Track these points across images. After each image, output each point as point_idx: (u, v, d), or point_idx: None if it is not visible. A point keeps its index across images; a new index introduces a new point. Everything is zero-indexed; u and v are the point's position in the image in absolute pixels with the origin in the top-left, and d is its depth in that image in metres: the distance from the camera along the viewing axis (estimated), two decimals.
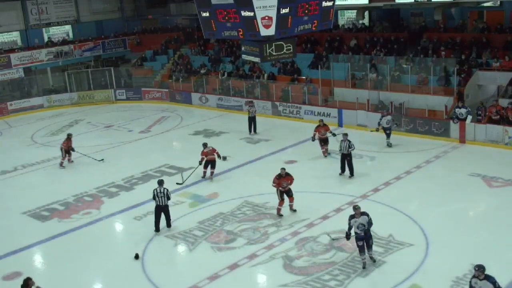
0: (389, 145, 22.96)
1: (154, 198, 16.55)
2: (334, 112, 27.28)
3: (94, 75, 38.10)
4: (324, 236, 15.43)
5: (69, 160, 24.16)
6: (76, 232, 17.22)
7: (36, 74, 38.36)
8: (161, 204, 16.47)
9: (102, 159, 24.37)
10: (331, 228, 15.88)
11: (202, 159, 20.81)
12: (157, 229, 16.51)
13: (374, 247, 14.49)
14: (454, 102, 24.56)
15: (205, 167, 20.87)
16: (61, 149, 23.99)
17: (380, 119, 23.24)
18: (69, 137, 24.20)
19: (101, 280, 14.51)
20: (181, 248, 15.68)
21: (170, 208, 16.73)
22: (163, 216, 16.52)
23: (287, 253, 14.79)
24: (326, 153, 22.47)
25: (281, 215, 16.51)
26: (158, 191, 16.44)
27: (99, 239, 16.51)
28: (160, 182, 16.64)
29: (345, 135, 19.93)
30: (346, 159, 19.90)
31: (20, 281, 14.29)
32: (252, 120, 26.11)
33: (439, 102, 24.84)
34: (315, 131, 22.45)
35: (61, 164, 23.87)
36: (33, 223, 18.23)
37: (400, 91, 26.40)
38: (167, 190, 16.60)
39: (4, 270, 15.09)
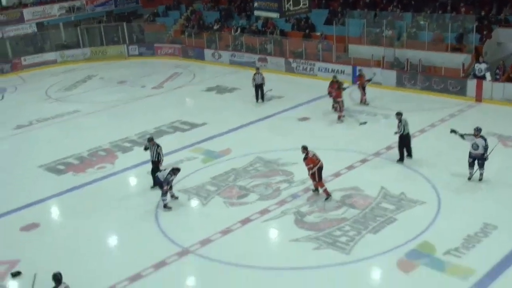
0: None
1: (144, 149, 16.92)
2: (348, 69, 27.12)
3: (107, 31, 37.98)
4: (335, 193, 15.58)
5: None
6: (91, 186, 17.53)
7: (48, 29, 38.31)
8: (151, 159, 16.65)
9: None
10: (343, 185, 16.05)
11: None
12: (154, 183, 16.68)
13: (385, 204, 14.70)
14: (472, 60, 24.31)
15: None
16: None
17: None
18: None
19: (116, 233, 14.81)
20: (194, 202, 15.92)
21: (182, 165, 16.85)
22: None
23: (299, 209, 14.98)
24: (334, 107, 22.55)
25: (330, 195, 15.84)
26: (147, 144, 16.73)
27: (113, 193, 16.79)
28: (148, 139, 16.80)
29: (400, 114, 17.31)
30: (405, 142, 17.38)
31: (36, 232, 14.80)
32: (259, 88, 24.94)
33: (456, 60, 24.61)
34: (329, 87, 22.42)
35: None
36: (48, 177, 18.56)
37: (417, 48, 26.14)
38: (158, 146, 16.61)
39: (21, 221, 15.45)
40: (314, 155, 15.34)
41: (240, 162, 18.24)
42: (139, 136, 21.57)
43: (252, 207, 15.24)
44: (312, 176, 15.38)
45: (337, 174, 16.85)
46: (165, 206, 15.46)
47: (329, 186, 16.02)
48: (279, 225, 14.35)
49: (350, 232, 13.66)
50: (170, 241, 13.87)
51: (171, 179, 15.43)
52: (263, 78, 24.59)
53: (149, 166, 16.89)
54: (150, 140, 16.70)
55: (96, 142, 21.15)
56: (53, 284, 10.36)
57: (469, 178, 15.80)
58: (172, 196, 15.91)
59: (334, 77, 22.97)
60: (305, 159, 15.31)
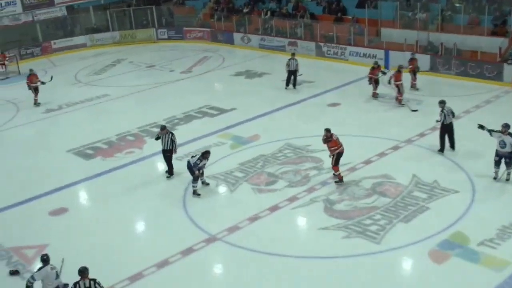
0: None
1: (156, 138, 16.82)
2: (380, 53, 26.71)
3: (136, 14, 38.07)
4: (366, 181, 15.41)
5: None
6: (119, 171, 17.64)
7: (78, 12, 38.56)
8: (164, 147, 16.50)
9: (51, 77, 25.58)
10: (373, 173, 15.86)
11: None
12: (170, 172, 16.76)
13: (417, 193, 14.49)
14: (509, 44, 23.72)
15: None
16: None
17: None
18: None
19: (143, 218, 14.90)
20: (222, 189, 15.90)
21: (212, 149, 16.80)
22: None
23: (328, 196, 14.85)
24: (374, 95, 22.29)
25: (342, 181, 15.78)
26: (160, 132, 16.57)
27: (141, 178, 16.85)
28: (161, 127, 16.69)
29: (443, 103, 16.60)
30: (446, 132, 16.77)
31: (65, 217, 14.97)
32: (292, 74, 24.31)
33: (493, 44, 24.01)
34: (370, 73, 22.09)
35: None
36: (77, 161, 18.72)
37: (451, 32, 25.61)
38: (172, 134, 16.56)
39: (51, 205, 15.63)
40: (337, 138, 15.30)
41: (268, 148, 18.14)
42: (168, 121, 21.59)
43: (281, 194, 15.16)
44: (332, 160, 15.43)
45: (367, 161, 16.65)
46: (194, 192, 15.45)
47: (359, 173, 15.91)
48: (308, 213, 14.26)
49: (381, 221, 13.50)
50: (197, 227, 13.89)
51: (201, 164, 15.37)
52: (297, 65, 24.10)
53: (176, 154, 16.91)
54: (163, 128, 16.59)
55: (125, 127, 21.26)
56: (76, 272, 10.31)
57: (495, 178, 14.90)
58: (203, 182, 15.88)
59: (375, 62, 22.63)
60: (328, 141, 15.25)
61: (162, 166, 17.90)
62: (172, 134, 16.55)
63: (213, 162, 16.91)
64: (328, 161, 16.46)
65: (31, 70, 25.66)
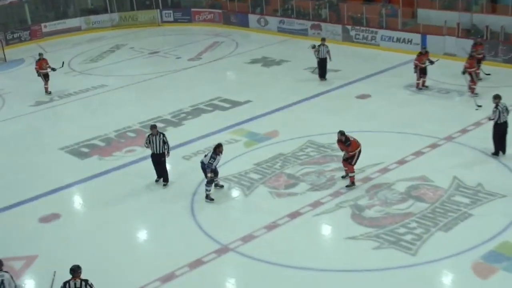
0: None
1: (145, 143, 16.40)
2: (416, 38, 26.65)
3: None
4: (400, 183, 15.38)
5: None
6: (118, 172, 17.76)
7: None
8: (155, 151, 16.20)
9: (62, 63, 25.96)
10: (408, 174, 15.81)
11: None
12: (158, 175, 16.63)
13: (459, 197, 14.44)
14: None
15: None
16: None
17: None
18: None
19: (146, 226, 14.96)
20: (235, 192, 15.94)
21: (224, 148, 16.85)
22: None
23: (357, 201, 14.84)
24: (422, 86, 22.09)
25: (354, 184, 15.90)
26: (151, 136, 16.13)
27: (144, 180, 16.91)
28: (152, 127, 16.23)
29: (498, 98, 16.21)
30: (500, 132, 16.36)
31: (57, 224, 15.09)
32: (323, 63, 24.10)
33: None
34: (416, 60, 21.96)
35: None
36: (71, 161, 18.87)
37: (498, 13, 25.46)
38: (163, 135, 16.28)
39: (41, 211, 15.76)
40: (354, 139, 15.41)
41: (288, 146, 18.17)
42: (173, 115, 21.70)
43: (302, 199, 15.17)
44: (349, 159, 15.40)
45: (401, 161, 16.62)
46: (207, 197, 15.46)
47: (392, 175, 15.88)
48: (333, 220, 14.26)
49: (417, 229, 13.46)
50: (207, 236, 13.94)
51: (216, 162, 15.26)
52: (328, 51, 23.90)
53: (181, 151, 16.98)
54: (153, 127, 16.21)
55: (125, 122, 21.41)
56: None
57: None
58: (217, 185, 15.94)
59: (423, 48, 22.43)
60: (348, 145, 15.23)
61: (167, 165, 17.99)
62: (163, 135, 16.34)
63: (225, 162, 16.96)
64: (357, 163, 16.50)
65: (40, 54, 25.93)
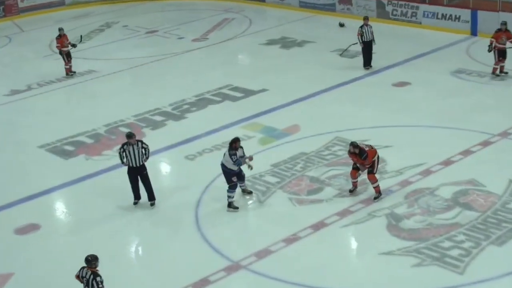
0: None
1: (119, 154, 15.61)
2: (465, 14, 26.57)
3: None
4: (445, 188, 15.38)
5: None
6: (109, 174, 17.86)
7: None
8: (134, 164, 15.47)
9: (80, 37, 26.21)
10: (455, 178, 15.80)
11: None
12: (136, 197, 15.94)
13: None
14: None
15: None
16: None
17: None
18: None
19: (142, 239, 15.05)
20: (248, 199, 16.03)
21: None
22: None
23: (393, 210, 14.85)
24: (500, 72, 21.90)
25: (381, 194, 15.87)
26: (127, 146, 15.40)
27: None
28: (129, 136, 15.49)
29: None
30: None
31: (36, 236, 15.14)
32: (369, 47, 23.79)
33: None
34: (493, 37, 21.79)
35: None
36: (53, 161, 19.02)
37: None
38: (142, 143, 15.61)
39: (17, 220, 15.86)
40: (370, 147, 15.32)
41: (312, 144, 18.22)
42: (175, 106, 21.83)
43: (328, 207, 15.22)
44: (369, 167, 15.19)
45: (447, 162, 16.63)
46: (230, 205, 15.42)
47: (436, 178, 15.88)
48: (365, 232, 14.29)
49: (465, 243, 13.45)
50: (215, 251, 13.97)
51: (236, 159, 15.02)
52: (372, 33, 23.62)
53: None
54: (131, 136, 15.47)
55: (117, 115, 21.58)
56: None
57: None
58: (244, 190, 15.96)
59: (503, 23, 21.86)
60: (365, 158, 14.95)
61: (167, 167, 18.14)
62: (142, 142, 15.63)
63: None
64: (392, 161, 16.56)
65: (60, 29, 26.12)
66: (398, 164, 16.30)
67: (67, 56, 25.65)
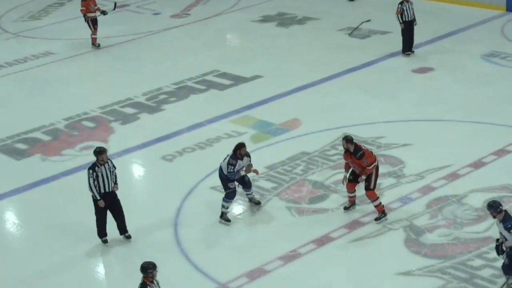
0: None
1: (94, 184, 14.52)
2: None
3: None
4: (474, 196, 15.43)
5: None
6: (70, 178, 17.86)
7: None
8: (105, 190, 14.67)
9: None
10: (486, 183, 15.83)
11: None
12: (102, 234, 15.08)
13: None
14: None
15: None
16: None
17: None
18: None
19: (112, 256, 14.97)
20: (239, 209, 16.03)
21: (219, 144, 16.94)
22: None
23: (413, 221, 14.88)
24: None
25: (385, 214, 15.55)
26: (98, 168, 14.59)
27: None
28: (100, 152, 14.71)
29: None
30: None
31: None
32: (410, 28, 23.40)
33: None
34: None
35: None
36: (2, 162, 19.02)
37: None
38: (112, 162, 14.96)
39: None
40: (367, 149, 15.11)
41: (315, 142, 18.30)
42: (150, 96, 21.86)
43: (334, 217, 15.27)
44: (365, 181, 14.93)
45: (477, 164, 16.68)
46: (222, 216, 15.42)
47: (464, 183, 15.94)
48: (379, 248, 14.32)
49: (499, 261, 13.48)
50: (198, 272, 13.98)
51: (236, 168, 15.02)
52: (413, 10, 23.28)
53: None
54: (102, 152, 14.72)
55: (79, 106, 21.60)
56: None
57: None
58: (251, 199, 15.90)
59: None
60: (360, 156, 14.70)
61: (140, 170, 18.20)
62: (111, 161, 15.03)
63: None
64: (412, 163, 16.58)
65: None
66: (418, 166, 16.33)
67: (93, 24, 25.89)
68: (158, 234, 15.31)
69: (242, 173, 15.16)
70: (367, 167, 14.72)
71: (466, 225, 14.63)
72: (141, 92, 22.17)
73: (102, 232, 15.03)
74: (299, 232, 14.86)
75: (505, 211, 12.13)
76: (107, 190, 14.60)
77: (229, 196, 15.25)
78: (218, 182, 16.13)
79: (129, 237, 15.13)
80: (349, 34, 25.10)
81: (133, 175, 18.04)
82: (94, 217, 14.97)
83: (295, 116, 19.76)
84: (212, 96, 21.71)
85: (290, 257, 14.12)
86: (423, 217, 15.00)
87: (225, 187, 15.24)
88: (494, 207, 12.04)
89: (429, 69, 22.10)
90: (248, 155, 15.24)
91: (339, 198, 15.87)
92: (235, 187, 15.28)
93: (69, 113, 21.22)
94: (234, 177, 15.07)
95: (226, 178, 15.13)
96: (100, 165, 14.53)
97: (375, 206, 15.08)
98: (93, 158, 16.98)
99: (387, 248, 14.25)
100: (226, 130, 19.15)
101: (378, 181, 15.17)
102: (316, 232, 14.76)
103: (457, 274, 13.25)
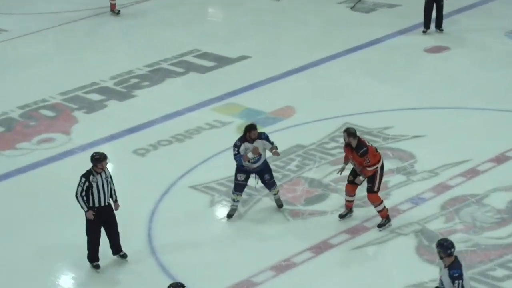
0: None
1: (81, 194, 14.08)
2: None
3: None
4: (497, 195, 15.45)
5: None
6: (26, 175, 17.88)
7: None
8: (100, 203, 14.30)
9: None
10: (510, 180, 15.92)
11: None
12: (94, 258, 14.59)
13: None
14: None
15: None
16: None
17: None
18: None
19: (72, 267, 14.88)
20: (221, 211, 16.09)
21: (199, 136, 16.94)
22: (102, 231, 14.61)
23: (425, 225, 14.91)
24: None
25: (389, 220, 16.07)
26: (93, 177, 14.16)
27: (68, 190, 16.90)
28: (99, 159, 14.19)
29: None
30: None
31: None
32: (434, 1, 23.33)
33: None
34: None
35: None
36: None
37: None
38: (109, 172, 14.57)
39: None
40: (371, 145, 14.99)
41: (311, 133, 18.36)
42: (119, 80, 21.87)
43: (334, 221, 15.27)
44: (369, 183, 14.91)
45: (499, 159, 16.74)
46: (229, 213, 15.67)
47: (485, 180, 16.00)
48: (386, 257, 14.40)
49: None
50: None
51: (242, 150, 14.99)
52: None
53: None
54: (101, 159, 14.20)
55: (37, 92, 21.61)
56: None
57: None
58: (278, 202, 15.80)
59: None
60: (362, 153, 14.57)
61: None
62: (108, 170, 14.72)
63: (206, 159, 17.12)
64: (423, 157, 16.63)
65: None
66: (432, 162, 16.39)
67: None
68: (129, 241, 15.09)
69: (250, 155, 15.00)
70: (367, 168, 14.57)
71: (487, 229, 14.66)
72: (109, 75, 22.18)
73: (94, 255, 14.50)
74: (293, 238, 14.89)
75: (456, 256, 11.50)
76: (102, 203, 14.14)
77: (237, 188, 15.41)
78: (198, 180, 16.26)
79: (124, 256, 14.71)
80: (351, 8, 25.16)
81: None
82: (58, 221, 15.12)
83: (288, 103, 19.81)
84: (192, 80, 21.75)
85: (282, 267, 14.12)
86: (437, 221, 15.03)
87: (235, 177, 15.39)
88: (444, 246, 11.35)
89: (444, 48, 22.16)
90: (264, 138, 15.13)
91: (339, 198, 15.84)
92: (244, 180, 15.33)
93: (24, 100, 21.22)
94: (240, 161, 15.00)
95: (236, 167, 15.23)
96: (97, 173, 14.10)
97: (378, 211, 15.00)
98: (52, 153, 17.19)
99: (396, 257, 14.29)
100: (208, 120, 19.16)
101: (384, 179, 15.13)
102: (313, 238, 14.77)
103: (477, 287, 13.32)
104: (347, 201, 15.21)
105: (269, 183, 15.44)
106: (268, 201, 16.04)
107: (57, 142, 19.05)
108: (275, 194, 15.65)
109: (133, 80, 21.80)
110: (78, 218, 14.61)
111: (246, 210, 15.88)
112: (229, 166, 16.99)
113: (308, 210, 15.75)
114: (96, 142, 18.56)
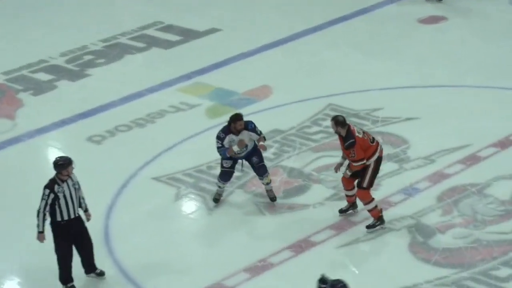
0: None
1: (44, 210, 13.59)
2: None
3: None
4: (500, 184, 15.60)
5: None
6: None
7: None
8: (69, 216, 13.85)
9: None
10: None
11: None
12: (68, 279, 14.22)
13: None
14: None
15: None
16: None
17: None
18: None
19: (19, 270, 15.05)
20: (190, 205, 16.22)
21: (163, 120, 16.94)
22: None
23: (420, 219, 15.04)
24: None
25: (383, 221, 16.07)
26: (59, 186, 13.82)
27: (15, 183, 17.02)
28: (64, 164, 13.80)
29: None
30: None
31: None
32: None
33: None
34: None
35: None
36: None
37: None
38: (75, 178, 14.09)
39: None
40: (364, 133, 14.90)
41: (290, 116, 18.47)
42: (70, 58, 21.87)
43: (317, 215, 15.39)
44: (358, 177, 14.95)
45: (503, 143, 16.88)
46: (215, 197, 15.91)
47: (486, 168, 16.14)
48: (376, 255, 14.55)
49: None
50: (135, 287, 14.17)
51: (226, 142, 15.18)
52: None
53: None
54: (66, 164, 13.81)
55: None
56: None
57: None
58: (271, 196, 15.97)
59: None
60: (347, 146, 14.48)
61: (57, 155, 18.13)
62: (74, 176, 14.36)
63: (169, 148, 17.14)
64: (417, 142, 16.75)
65: None
66: (427, 147, 16.49)
67: None
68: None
69: (235, 149, 15.18)
70: (353, 162, 14.54)
71: (490, 223, 14.79)
72: (59, 51, 22.19)
73: (66, 276, 14.09)
74: (270, 236, 15.01)
75: None
76: (71, 215, 13.68)
77: (222, 177, 15.64)
78: (162, 171, 16.29)
79: (102, 274, 14.37)
80: None
81: (49, 163, 17.98)
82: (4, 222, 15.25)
83: (264, 82, 19.89)
84: (154, 57, 21.79)
85: (258, 268, 14.20)
86: (433, 214, 15.16)
87: (220, 164, 15.57)
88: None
89: (441, 18, 22.27)
90: (251, 129, 15.29)
91: (323, 189, 15.97)
92: (230, 167, 15.53)
93: None
94: (225, 154, 15.23)
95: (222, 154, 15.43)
96: (62, 181, 13.60)
97: (369, 211, 14.94)
98: None
99: (386, 255, 14.44)
100: (173, 102, 19.19)
101: None
102: (293, 235, 14.85)
103: None
104: (346, 196, 15.21)
105: (258, 168, 15.60)
106: (241, 193, 16.12)
107: (0, 129, 19.03)
108: (267, 184, 15.77)
109: (87, 57, 21.83)
110: (28, 218, 14.40)
111: (216, 205, 15.91)
112: (197, 154, 17.14)
113: (287, 203, 15.85)
114: (45, 128, 18.57)
